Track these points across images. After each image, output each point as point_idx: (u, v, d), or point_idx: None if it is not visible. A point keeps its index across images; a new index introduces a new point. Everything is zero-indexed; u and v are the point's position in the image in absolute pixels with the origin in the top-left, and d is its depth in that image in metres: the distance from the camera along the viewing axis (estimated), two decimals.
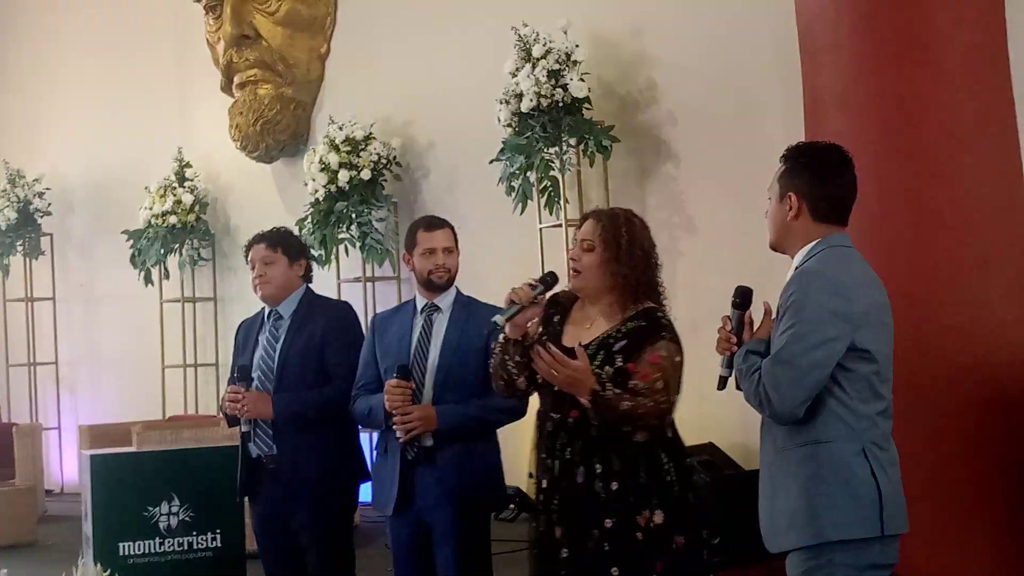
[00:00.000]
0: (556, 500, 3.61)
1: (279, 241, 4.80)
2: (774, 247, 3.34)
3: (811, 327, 3.06)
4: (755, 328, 3.29)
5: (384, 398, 4.25)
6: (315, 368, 4.66)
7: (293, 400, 4.61)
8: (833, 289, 3.10)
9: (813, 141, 3.44)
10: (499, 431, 4.41)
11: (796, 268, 3.23)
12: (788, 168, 3.28)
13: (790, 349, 3.06)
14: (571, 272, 3.75)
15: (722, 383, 3.33)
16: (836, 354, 3.08)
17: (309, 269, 4.89)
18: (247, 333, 4.91)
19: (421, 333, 4.38)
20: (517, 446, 4.41)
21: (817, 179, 3.23)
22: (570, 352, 3.58)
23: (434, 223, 4.50)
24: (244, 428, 4.73)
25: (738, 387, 3.25)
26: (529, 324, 3.75)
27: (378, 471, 4.47)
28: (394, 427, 4.23)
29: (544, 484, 3.67)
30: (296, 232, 5.22)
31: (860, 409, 3.12)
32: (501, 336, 3.78)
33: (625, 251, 3.63)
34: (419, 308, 4.44)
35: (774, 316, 3.22)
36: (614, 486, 3.52)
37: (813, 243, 3.22)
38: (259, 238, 4.85)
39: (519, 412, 4.25)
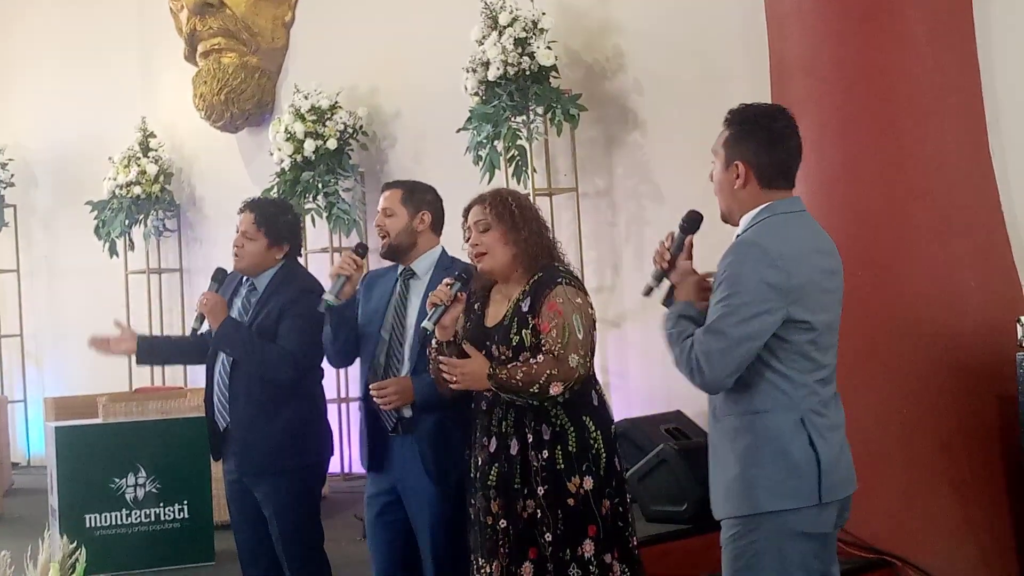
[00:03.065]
0: (493, 474, 3.71)
1: (266, 221, 4.63)
2: (725, 219, 3.27)
3: (745, 299, 3.02)
4: (692, 250, 3.29)
5: (336, 264, 4.23)
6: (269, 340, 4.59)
7: (241, 328, 4.51)
8: (769, 261, 3.04)
9: (756, 104, 3.30)
10: None
11: (737, 236, 3.18)
12: (733, 134, 3.21)
13: (724, 321, 3.03)
14: (476, 258, 3.80)
15: (647, 291, 3.37)
16: (769, 327, 3.03)
17: (294, 250, 4.74)
18: (229, 281, 4.80)
19: (397, 300, 4.27)
20: None
21: (764, 146, 3.16)
22: (493, 331, 3.71)
23: (384, 186, 4.44)
24: (195, 324, 4.67)
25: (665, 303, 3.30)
26: (457, 322, 3.83)
27: (360, 431, 4.42)
28: (373, 399, 4.17)
29: (480, 461, 3.77)
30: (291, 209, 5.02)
31: (797, 378, 3.08)
32: (433, 341, 3.84)
33: (519, 219, 3.75)
34: (399, 272, 4.34)
35: (712, 281, 3.18)
36: (545, 454, 3.63)
37: (757, 210, 3.16)
38: (252, 207, 4.69)
39: None
